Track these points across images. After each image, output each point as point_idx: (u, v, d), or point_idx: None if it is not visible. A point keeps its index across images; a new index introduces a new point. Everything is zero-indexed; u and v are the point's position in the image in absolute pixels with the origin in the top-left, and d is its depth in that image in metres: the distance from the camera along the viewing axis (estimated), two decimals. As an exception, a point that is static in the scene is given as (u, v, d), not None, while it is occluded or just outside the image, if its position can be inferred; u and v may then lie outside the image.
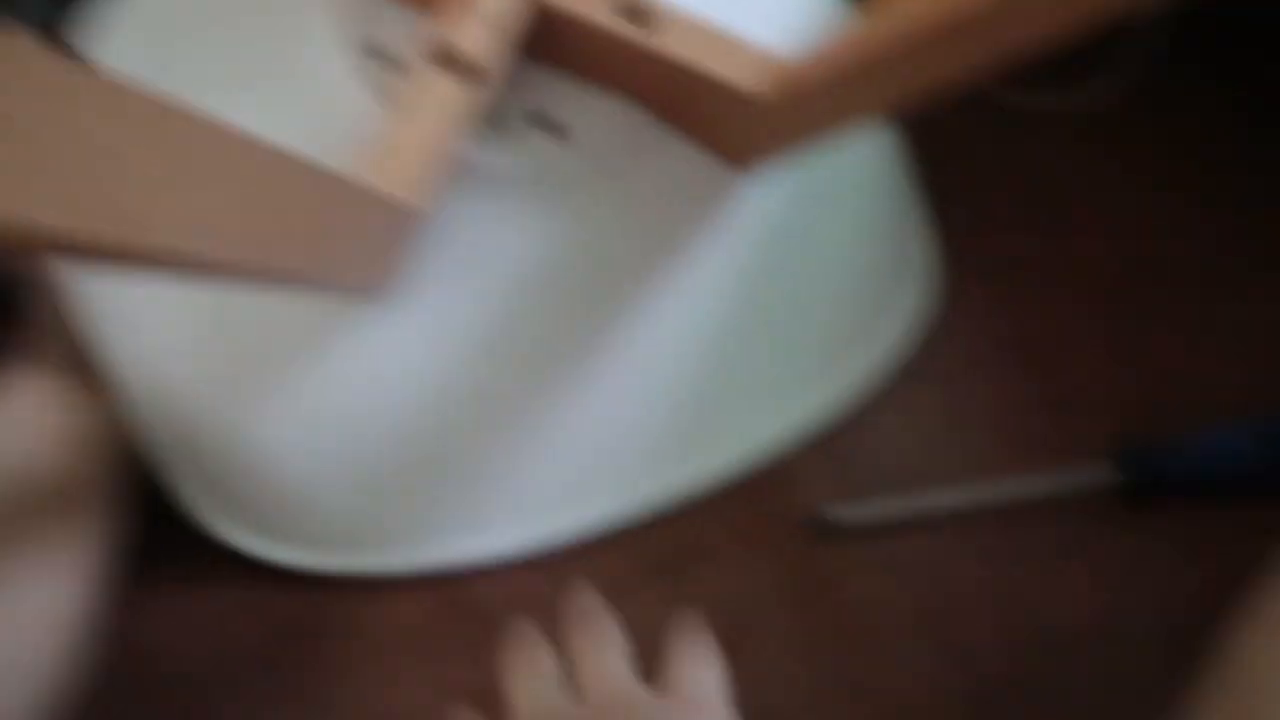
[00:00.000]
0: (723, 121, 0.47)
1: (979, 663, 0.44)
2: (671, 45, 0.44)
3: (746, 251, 0.49)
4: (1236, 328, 0.55)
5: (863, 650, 0.44)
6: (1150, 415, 0.52)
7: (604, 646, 0.36)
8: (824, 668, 0.44)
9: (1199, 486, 0.48)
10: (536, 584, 0.48)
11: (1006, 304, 0.57)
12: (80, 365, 0.49)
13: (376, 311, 0.47)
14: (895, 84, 0.41)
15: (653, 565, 0.48)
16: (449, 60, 0.43)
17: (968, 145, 0.64)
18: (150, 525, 0.50)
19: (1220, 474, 0.48)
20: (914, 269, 0.58)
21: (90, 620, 0.43)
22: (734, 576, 0.47)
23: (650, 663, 0.39)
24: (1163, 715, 0.34)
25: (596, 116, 0.48)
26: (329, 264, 0.40)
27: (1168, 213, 0.60)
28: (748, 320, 0.50)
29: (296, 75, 0.48)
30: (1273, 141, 0.62)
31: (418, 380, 0.47)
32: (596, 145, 0.47)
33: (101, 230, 0.24)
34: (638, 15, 0.44)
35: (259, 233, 0.34)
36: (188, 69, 0.49)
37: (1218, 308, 0.56)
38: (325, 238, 0.39)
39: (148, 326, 0.48)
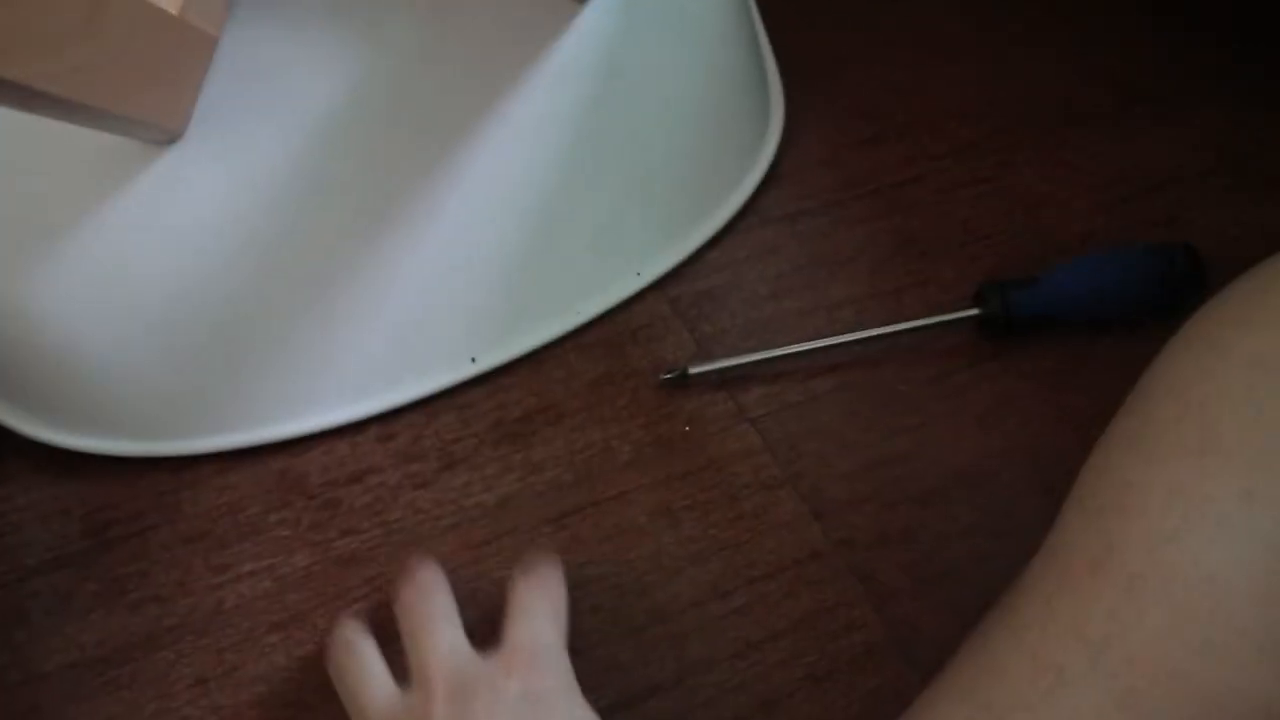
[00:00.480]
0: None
1: (846, 515, 0.42)
2: None
3: (579, 82, 0.45)
4: (1093, 161, 0.53)
5: (725, 509, 0.42)
6: (1010, 250, 0.50)
7: (436, 626, 0.34)
8: (687, 528, 0.41)
9: (1061, 317, 0.46)
10: (369, 455, 0.44)
11: (862, 142, 0.54)
12: None
13: (164, 154, 0.41)
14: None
15: (496, 431, 0.44)
16: None
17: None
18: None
19: (1079, 303, 0.46)
20: (764, 102, 0.54)
21: None
22: (583, 437, 0.44)
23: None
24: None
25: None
26: (109, 90, 0.34)
27: (1028, 49, 0.58)
28: (584, 161, 0.46)
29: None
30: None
31: (219, 234, 0.42)
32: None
33: None
34: None
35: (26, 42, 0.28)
36: None
37: (1074, 143, 0.54)
38: (100, 56, 0.33)
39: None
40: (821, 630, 0.39)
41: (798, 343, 0.46)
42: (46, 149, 0.41)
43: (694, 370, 0.45)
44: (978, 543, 0.41)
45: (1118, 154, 0.54)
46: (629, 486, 0.43)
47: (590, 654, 0.38)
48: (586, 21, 0.45)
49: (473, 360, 0.45)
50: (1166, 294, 0.46)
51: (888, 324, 0.46)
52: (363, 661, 0.34)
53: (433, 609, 0.34)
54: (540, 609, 0.34)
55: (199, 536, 0.42)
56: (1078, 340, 0.47)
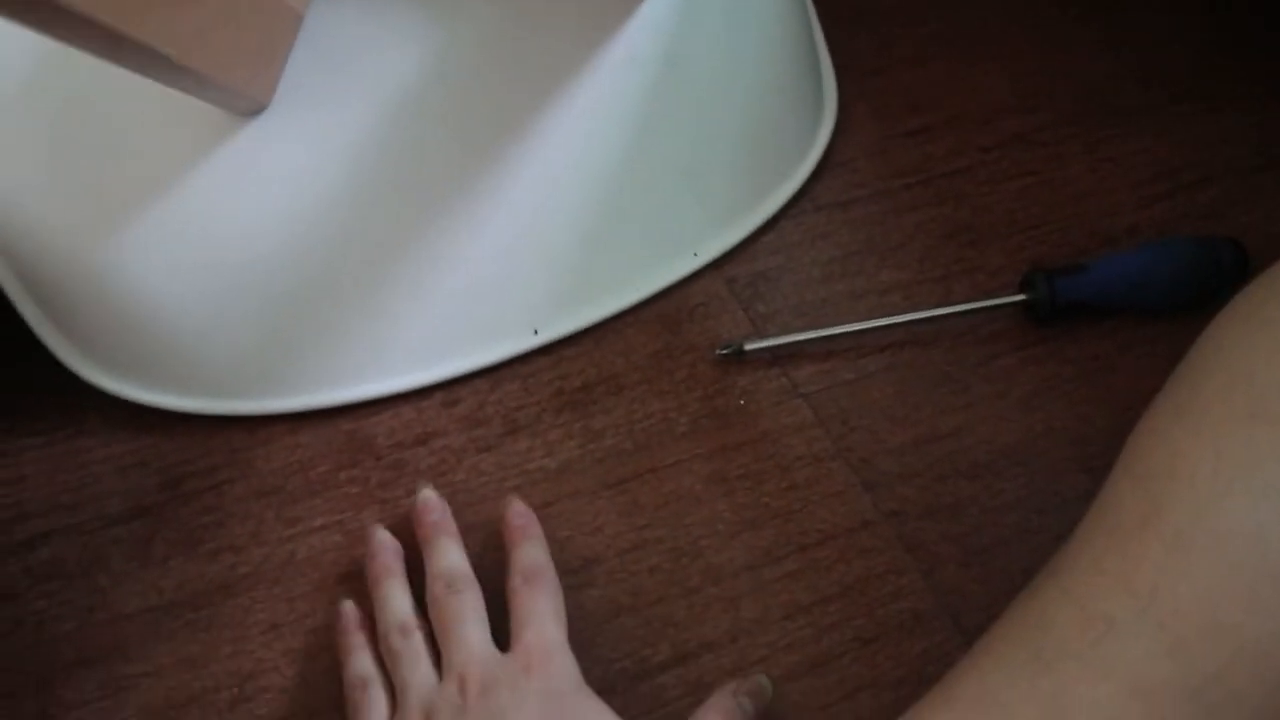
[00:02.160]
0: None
1: (895, 488, 0.43)
2: None
3: (643, 69, 0.46)
4: (1138, 154, 0.55)
5: (778, 479, 0.43)
6: (1057, 240, 0.51)
7: (468, 624, 0.37)
8: (741, 496, 0.43)
9: (1106, 304, 0.48)
10: (435, 419, 0.45)
11: (912, 133, 0.56)
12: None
13: (249, 126, 0.42)
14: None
15: (557, 399, 0.46)
16: None
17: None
18: (13, 375, 0.46)
19: (1124, 291, 0.47)
20: (818, 94, 0.56)
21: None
22: (642, 408, 0.45)
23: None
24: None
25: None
26: (210, 56, 0.36)
27: (1075, 45, 0.60)
28: (645, 144, 0.48)
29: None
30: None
31: (299, 205, 0.44)
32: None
33: None
34: None
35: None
36: None
37: (1120, 136, 0.55)
38: (205, 24, 0.35)
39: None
40: (871, 596, 0.40)
41: (849, 323, 0.47)
42: (141, 114, 0.43)
43: (750, 346, 0.46)
44: (1023, 516, 0.42)
45: (1163, 148, 0.55)
46: (685, 455, 0.44)
47: (647, 611, 0.40)
48: (651, 10, 0.47)
49: (535, 332, 0.47)
50: (1212, 286, 0.48)
51: (936, 308, 0.47)
52: (416, 648, 0.37)
53: (465, 607, 0.37)
54: (544, 611, 0.37)
55: (272, 491, 0.44)
56: (1122, 328, 0.48)
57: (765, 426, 0.45)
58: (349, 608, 0.39)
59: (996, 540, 0.42)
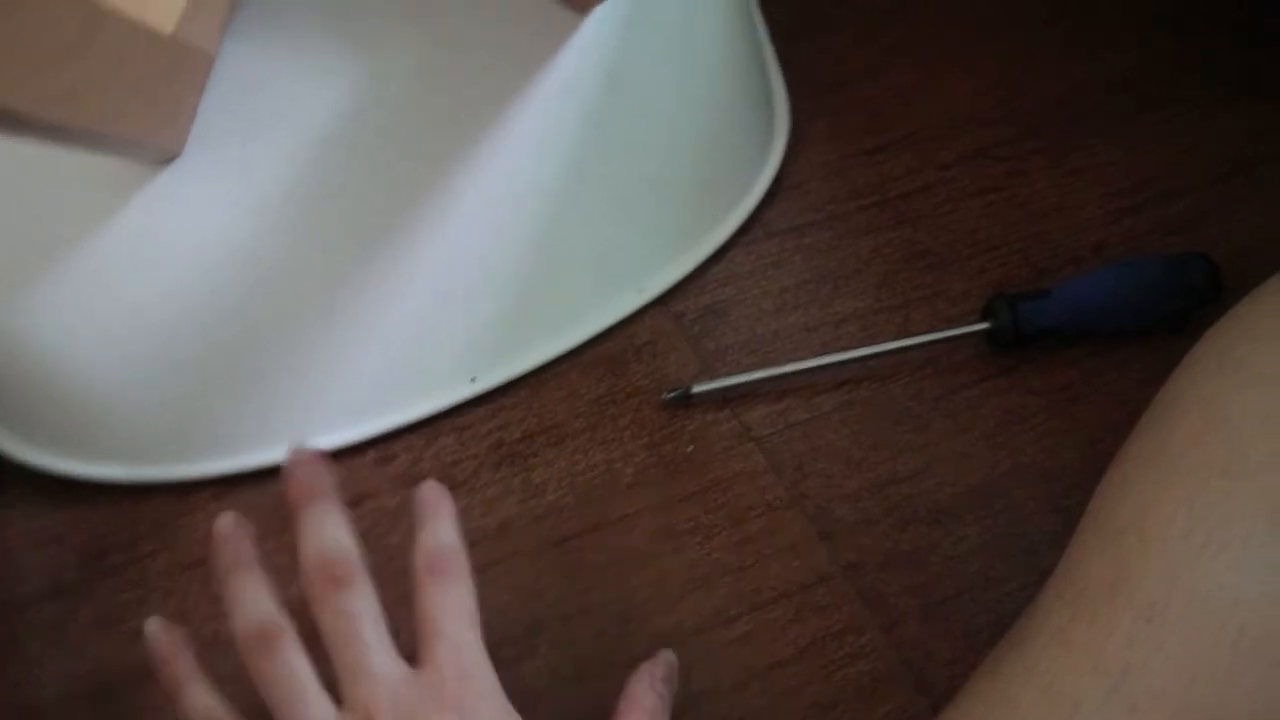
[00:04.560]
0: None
1: (854, 537, 0.41)
2: None
3: (581, 96, 0.44)
4: (1102, 169, 0.52)
5: (729, 531, 0.41)
6: (1020, 261, 0.49)
7: (368, 649, 0.31)
8: (690, 552, 0.41)
9: (1071, 331, 0.45)
10: (364, 477, 0.43)
11: (868, 152, 0.53)
12: None
13: (163, 176, 0.40)
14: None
15: (496, 452, 0.43)
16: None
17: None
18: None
19: (1090, 316, 0.45)
20: (768, 114, 0.53)
21: None
22: (585, 459, 0.43)
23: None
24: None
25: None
26: (104, 111, 0.34)
27: (1037, 55, 0.57)
28: (585, 176, 0.45)
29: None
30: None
31: (217, 255, 0.41)
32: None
33: None
34: None
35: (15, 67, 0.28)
36: None
37: (1082, 150, 0.53)
38: (94, 77, 0.32)
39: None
40: (829, 657, 0.38)
41: (803, 359, 0.45)
42: (41, 171, 0.40)
43: (697, 389, 0.44)
44: (988, 564, 0.40)
45: (1130, 160, 0.53)
46: (631, 509, 0.42)
47: (592, 684, 0.38)
48: (587, 35, 0.44)
49: (472, 380, 0.45)
50: (1182, 306, 0.45)
51: (895, 340, 0.45)
52: (291, 668, 0.31)
53: (357, 608, 0.31)
54: (457, 612, 0.32)
55: (197, 564, 0.41)
56: (1090, 353, 0.46)
57: (716, 474, 0.43)
58: (154, 626, 0.33)
59: (960, 590, 0.40)
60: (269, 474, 0.43)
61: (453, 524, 0.33)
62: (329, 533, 0.32)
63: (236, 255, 0.41)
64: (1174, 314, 0.45)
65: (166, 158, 0.40)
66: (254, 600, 0.32)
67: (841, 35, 0.58)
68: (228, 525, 0.34)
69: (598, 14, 0.44)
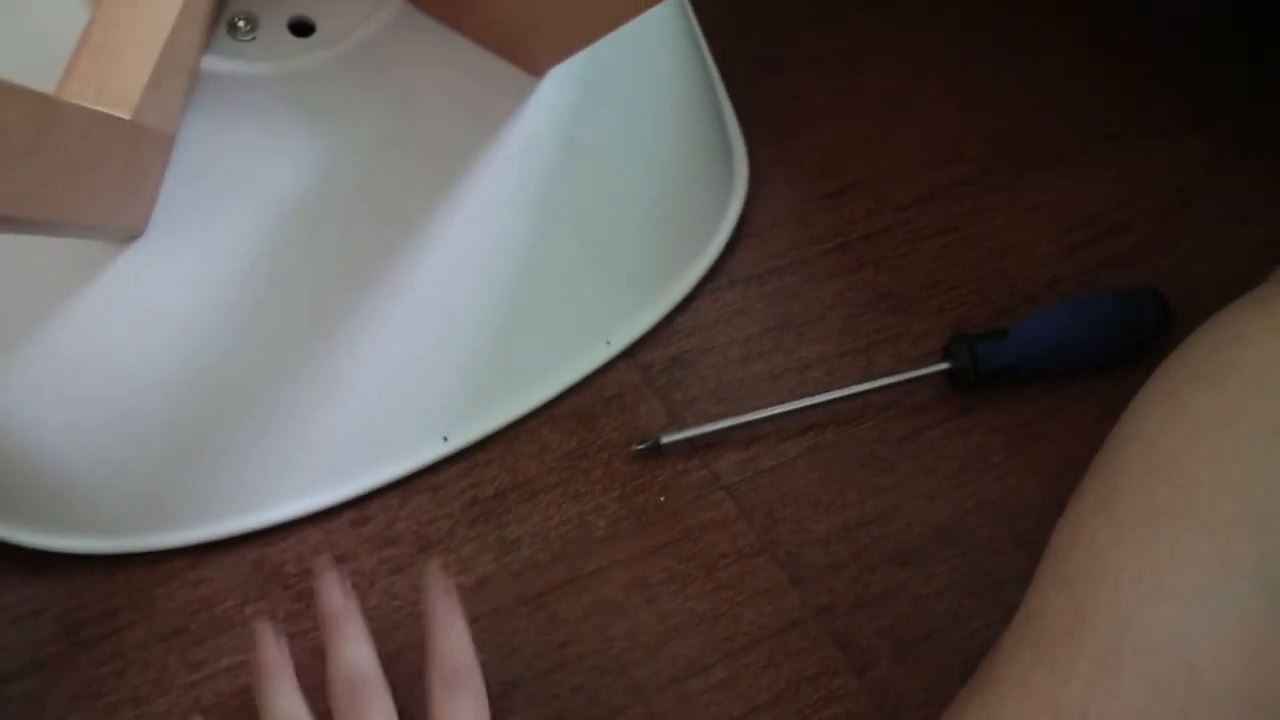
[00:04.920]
0: (492, 10, 0.43)
1: (826, 581, 0.42)
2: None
3: (539, 157, 0.45)
4: (1055, 205, 0.54)
5: (703, 580, 0.42)
6: (978, 300, 0.50)
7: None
8: (665, 602, 0.41)
9: (1031, 369, 0.46)
10: (340, 539, 0.43)
11: (818, 199, 0.54)
12: None
13: (127, 251, 0.41)
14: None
15: (470, 510, 0.44)
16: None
17: (760, 29, 0.61)
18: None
19: (1049, 354, 0.46)
20: (727, 162, 0.54)
21: None
22: (558, 513, 0.44)
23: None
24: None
25: (353, 12, 0.43)
26: (65, 203, 0.34)
27: (990, 90, 0.59)
28: (547, 234, 0.46)
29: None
30: (1077, 14, 0.61)
31: (184, 327, 0.42)
32: (353, 43, 0.42)
33: None
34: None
35: None
36: None
37: (1036, 186, 0.55)
38: (55, 174, 0.33)
39: None
40: (803, 701, 0.39)
41: (769, 406, 0.46)
42: (8, 243, 0.41)
43: (666, 440, 0.45)
44: (956, 602, 0.41)
45: (1081, 195, 0.54)
46: (605, 562, 0.42)
47: (572, 738, 0.38)
48: (544, 96, 0.46)
49: (445, 439, 0.45)
50: (1134, 340, 0.47)
51: (858, 383, 0.46)
52: None
53: (369, 690, 0.34)
54: (468, 691, 0.34)
55: (174, 633, 0.42)
56: (1049, 389, 0.47)
57: (687, 523, 0.43)
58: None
59: (930, 630, 0.40)
60: (245, 540, 0.44)
61: (465, 634, 0.35)
62: (354, 651, 0.35)
63: (202, 327, 0.42)
64: (1127, 349, 0.47)
65: (130, 236, 0.41)
66: (288, 706, 0.34)
67: (795, 78, 0.60)
68: (264, 632, 0.36)
69: (554, 75, 0.45)
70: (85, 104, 0.34)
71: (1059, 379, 0.47)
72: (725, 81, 0.57)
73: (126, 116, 0.37)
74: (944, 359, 0.47)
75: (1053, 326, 0.46)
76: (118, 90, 0.36)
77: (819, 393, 0.46)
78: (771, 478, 0.45)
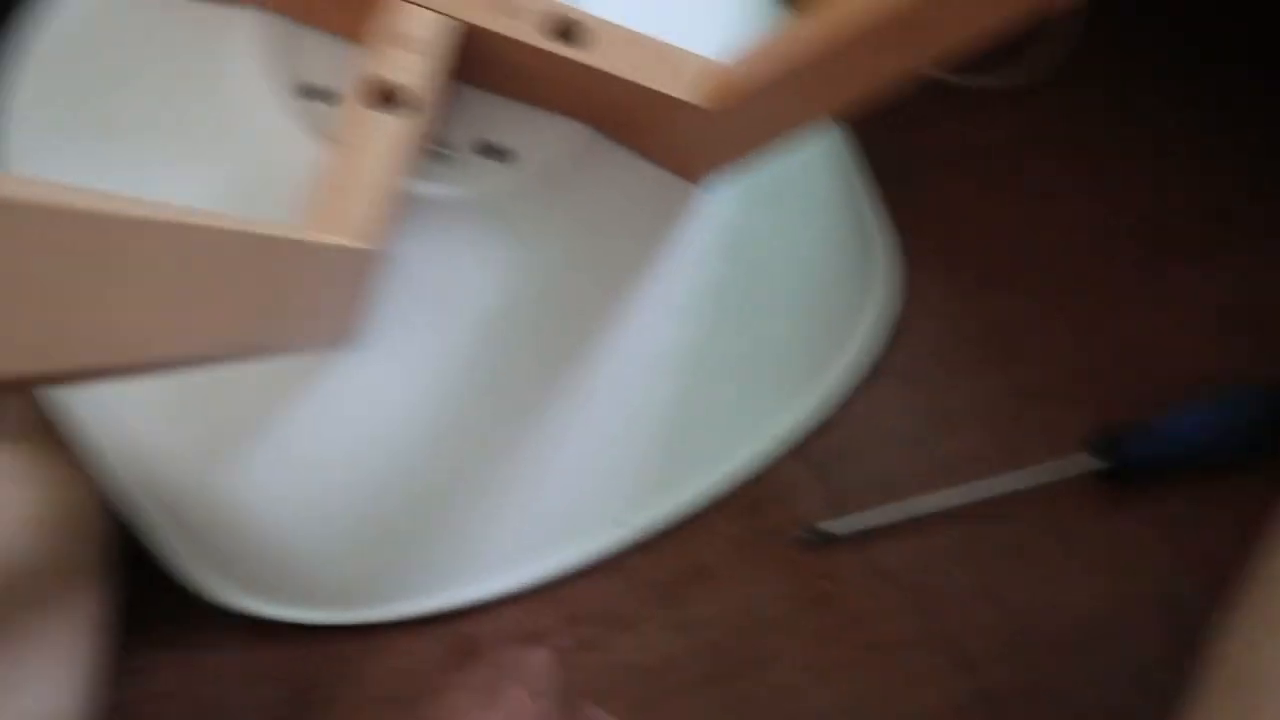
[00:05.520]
0: (667, 133, 0.47)
1: (985, 668, 0.45)
2: (606, 60, 0.43)
3: (707, 264, 0.49)
4: (1197, 297, 0.56)
5: (871, 664, 0.45)
6: (1123, 394, 0.53)
7: None
8: (836, 685, 0.45)
9: (1177, 464, 0.49)
10: (539, 618, 0.48)
11: (967, 294, 0.57)
12: (44, 429, 0.48)
13: (344, 358, 0.46)
14: (838, 85, 0.41)
15: (652, 591, 0.48)
16: (385, 96, 0.42)
17: (907, 127, 0.64)
18: (137, 591, 0.49)
19: (1194, 449, 0.49)
20: (875, 265, 0.58)
21: (92, 708, 0.42)
22: (734, 596, 0.47)
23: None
24: (1170, 702, 0.35)
25: (541, 137, 0.47)
26: (294, 327, 0.39)
27: (1136, 179, 0.61)
28: (716, 335, 0.50)
29: (227, 123, 0.46)
30: (1219, 104, 0.63)
31: (393, 424, 0.47)
32: (545, 167, 0.47)
33: (49, 366, 0.21)
34: (569, 33, 0.43)
35: (219, 319, 0.32)
36: (103, 131, 0.47)
37: (1177, 278, 0.57)
38: (287, 302, 0.38)
39: (113, 388, 0.47)
40: (972, 785, 0.42)
41: (926, 499, 0.49)
42: (249, 366, 0.46)
43: (832, 529, 0.48)
44: (1112, 692, 0.44)
45: (1229, 288, 0.56)
46: (780, 646, 0.46)
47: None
48: (709, 207, 0.50)
49: (626, 526, 0.49)
50: (1280, 438, 0.49)
51: (1010, 478, 0.49)
52: None
53: None
54: None
55: (387, 699, 0.46)
56: (1196, 483, 0.49)
57: (854, 610, 0.47)
58: None
59: (1089, 720, 0.43)
60: (448, 616, 0.48)
61: None
62: None
63: (409, 425, 0.47)
64: (1273, 444, 0.49)
65: (345, 346, 0.46)
66: None
67: (940, 174, 0.63)
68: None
69: (716, 188, 0.49)
70: (330, 240, 0.39)
71: (1207, 472, 0.49)
72: (873, 178, 0.60)
73: (364, 246, 0.42)
74: (1092, 453, 0.49)
75: (1202, 421, 0.49)
76: (355, 222, 0.41)
77: (973, 486, 0.49)
78: (930, 567, 0.48)
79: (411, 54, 0.42)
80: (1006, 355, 0.55)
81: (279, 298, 0.36)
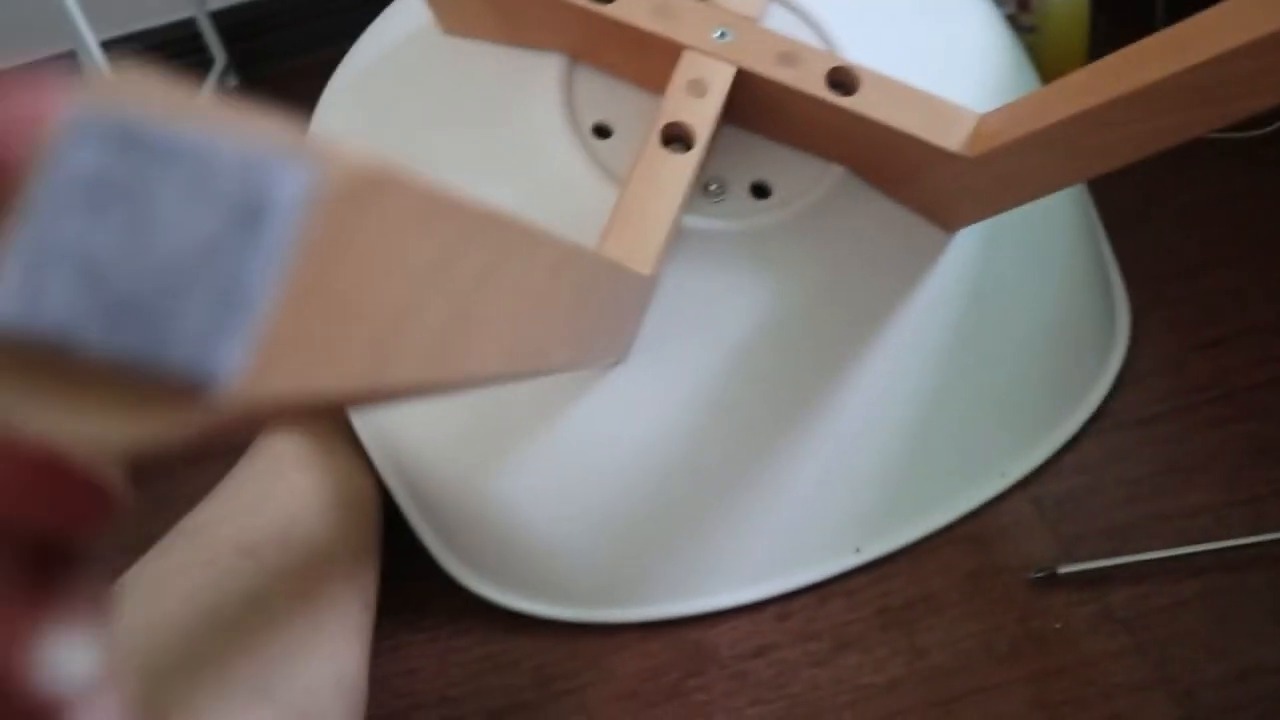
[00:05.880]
0: (925, 179, 0.49)
1: (1212, 715, 0.45)
2: (876, 108, 0.46)
3: (950, 306, 0.51)
4: None
5: (1100, 706, 0.46)
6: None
7: None
8: None
9: None
10: (770, 632, 0.50)
11: (1208, 345, 0.57)
12: (334, 423, 0.53)
13: (612, 375, 0.50)
14: (1113, 144, 0.43)
15: (881, 616, 0.50)
16: (676, 137, 0.46)
17: (1137, 175, 0.64)
18: (397, 575, 0.54)
19: None
20: (1111, 312, 0.58)
21: (365, 674, 0.47)
22: (962, 628, 0.49)
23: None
24: None
25: (802, 178, 0.50)
26: (588, 345, 0.43)
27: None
28: (952, 373, 0.52)
29: (522, 152, 0.51)
30: None
31: (651, 440, 0.50)
32: (803, 205, 0.50)
33: (380, 380, 0.17)
34: (843, 83, 0.46)
35: (539, 335, 0.36)
36: (402, 144, 0.53)
37: None
38: (589, 322, 0.42)
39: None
40: (1203, 834, 0.42)
41: (1160, 548, 0.49)
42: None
43: (1063, 570, 0.49)
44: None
45: None
46: (1007, 678, 0.47)
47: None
48: (954, 251, 0.52)
49: (857, 550, 0.52)
50: None
51: (1251, 534, 0.49)
52: None
53: None
54: None
55: (629, 696, 0.50)
56: None
57: (1083, 651, 0.48)
58: None
59: (1332, 783, 0.43)
60: (685, 622, 0.51)
61: None
62: None
63: (665, 439, 0.50)
64: None
65: (614, 364, 0.50)
66: None
67: (1168, 225, 0.63)
68: None
69: (962, 233, 0.51)
70: (631, 267, 0.43)
71: None
72: (1108, 232, 0.61)
73: (647, 273, 0.46)
74: (1338, 517, 0.49)
75: None
76: (646, 251, 0.45)
77: (1209, 540, 0.49)
78: (1164, 616, 0.48)
79: (701, 100, 0.46)
80: (1245, 411, 0.55)
81: (585, 317, 0.40)
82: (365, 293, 0.15)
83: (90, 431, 0.12)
